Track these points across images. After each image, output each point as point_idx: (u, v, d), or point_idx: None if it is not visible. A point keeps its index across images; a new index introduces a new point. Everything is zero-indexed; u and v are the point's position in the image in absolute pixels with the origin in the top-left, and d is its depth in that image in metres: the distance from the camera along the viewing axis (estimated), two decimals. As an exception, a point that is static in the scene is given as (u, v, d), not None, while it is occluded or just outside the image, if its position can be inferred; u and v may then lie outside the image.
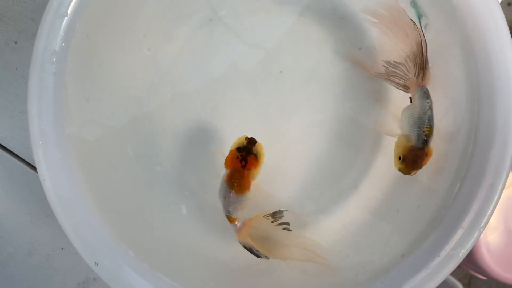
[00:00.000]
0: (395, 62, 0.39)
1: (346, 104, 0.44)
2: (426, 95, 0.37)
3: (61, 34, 0.34)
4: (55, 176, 0.34)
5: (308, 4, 0.43)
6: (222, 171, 0.44)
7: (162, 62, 0.44)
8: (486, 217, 0.33)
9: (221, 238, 0.44)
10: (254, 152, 0.38)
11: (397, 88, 0.39)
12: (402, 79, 0.39)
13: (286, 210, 0.39)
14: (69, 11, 0.34)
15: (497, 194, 0.33)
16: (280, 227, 0.39)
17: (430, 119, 0.37)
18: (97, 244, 0.35)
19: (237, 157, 0.38)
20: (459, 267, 0.33)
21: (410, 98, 0.39)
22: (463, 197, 0.35)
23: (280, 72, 0.44)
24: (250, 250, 0.39)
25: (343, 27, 0.44)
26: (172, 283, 0.36)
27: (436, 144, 0.38)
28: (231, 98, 0.44)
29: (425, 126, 0.36)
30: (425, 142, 0.36)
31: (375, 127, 0.43)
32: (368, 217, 0.40)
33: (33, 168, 0.49)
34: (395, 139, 0.39)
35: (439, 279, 0.33)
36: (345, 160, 0.44)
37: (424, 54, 0.37)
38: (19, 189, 0.50)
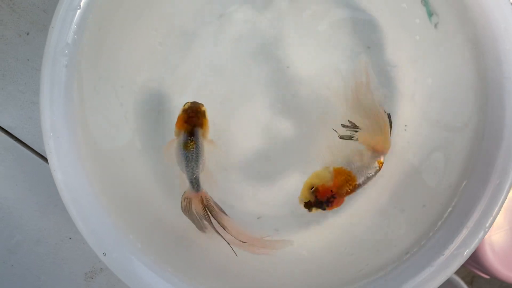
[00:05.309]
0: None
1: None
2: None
3: (74, 27, 0.34)
4: (65, 167, 0.35)
5: (319, 2, 0.43)
6: (228, 164, 0.44)
7: (172, 57, 0.44)
8: (492, 217, 0.33)
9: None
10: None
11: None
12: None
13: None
14: (81, 4, 0.34)
15: (504, 194, 0.33)
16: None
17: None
18: (105, 235, 0.35)
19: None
20: (462, 265, 0.33)
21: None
22: (468, 196, 0.34)
23: (288, 67, 0.44)
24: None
25: (353, 25, 0.44)
26: (177, 275, 0.36)
27: (443, 142, 0.38)
28: (240, 93, 0.44)
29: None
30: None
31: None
32: (374, 216, 0.40)
33: (42, 157, 0.50)
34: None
35: (442, 278, 0.33)
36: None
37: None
38: (28, 178, 0.50)
